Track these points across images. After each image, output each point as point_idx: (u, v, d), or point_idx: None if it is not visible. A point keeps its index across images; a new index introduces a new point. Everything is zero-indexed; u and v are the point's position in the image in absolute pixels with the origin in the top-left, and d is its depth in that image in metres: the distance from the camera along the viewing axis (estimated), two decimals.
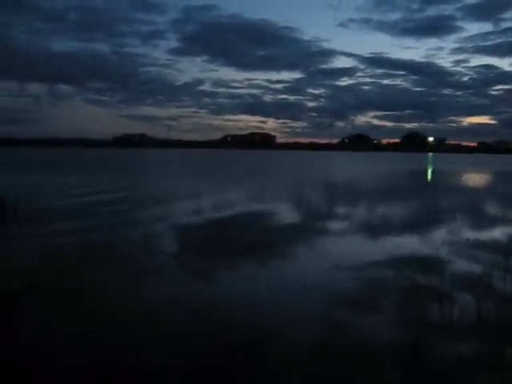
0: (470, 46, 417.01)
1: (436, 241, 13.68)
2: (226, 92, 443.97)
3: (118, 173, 47.02)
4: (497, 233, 15.25)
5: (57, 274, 9.68)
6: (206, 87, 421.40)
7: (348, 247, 12.98)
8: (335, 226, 16.27)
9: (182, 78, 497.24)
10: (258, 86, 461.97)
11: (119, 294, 8.51)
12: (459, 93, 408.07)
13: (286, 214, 19.18)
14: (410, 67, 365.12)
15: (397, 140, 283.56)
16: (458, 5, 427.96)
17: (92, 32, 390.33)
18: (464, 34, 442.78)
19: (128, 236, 13.94)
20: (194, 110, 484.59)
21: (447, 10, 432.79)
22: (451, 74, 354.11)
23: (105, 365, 5.80)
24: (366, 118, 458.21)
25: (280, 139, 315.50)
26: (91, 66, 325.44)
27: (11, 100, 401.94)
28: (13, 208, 18.04)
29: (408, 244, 13.30)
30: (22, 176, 37.46)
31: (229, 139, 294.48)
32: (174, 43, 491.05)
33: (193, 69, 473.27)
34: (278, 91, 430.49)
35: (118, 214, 18.26)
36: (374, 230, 15.52)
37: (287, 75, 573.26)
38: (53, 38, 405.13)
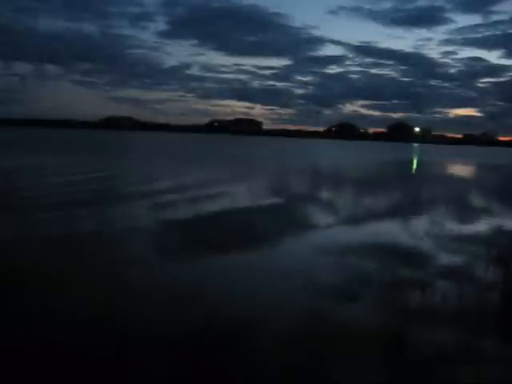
0: (459, 37, 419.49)
1: (419, 231, 13.73)
2: (213, 77, 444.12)
3: (102, 155, 46.73)
4: (480, 224, 15.34)
5: (39, 260, 9.57)
6: (194, 71, 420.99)
7: (330, 235, 12.96)
8: (317, 214, 16.28)
9: (170, 62, 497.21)
10: (246, 72, 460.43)
11: (104, 280, 8.43)
12: (446, 84, 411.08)
13: (268, 199, 19.14)
14: (399, 57, 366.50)
15: (383, 129, 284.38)
16: None
17: (80, 12, 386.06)
18: (453, 26, 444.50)
19: (110, 220, 13.83)
20: (181, 93, 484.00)
21: (438, 1, 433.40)
22: (439, 65, 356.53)
23: (89, 350, 5.73)
24: (354, 107, 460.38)
25: (267, 125, 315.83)
26: (78, 46, 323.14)
27: None
28: None
29: (391, 233, 13.33)
30: (5, 156, 37.07)
31: (215, 124, 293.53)
32: (162, 26, 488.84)
33: (181, 52, 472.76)
34: (266, 77, 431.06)
35: (102, 197, 18.14)
36: (356, 218, 15.53)
37: (276, 62, 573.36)
38: (40, 16, 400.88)
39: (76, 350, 5.65)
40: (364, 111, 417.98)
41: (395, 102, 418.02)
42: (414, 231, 13.72)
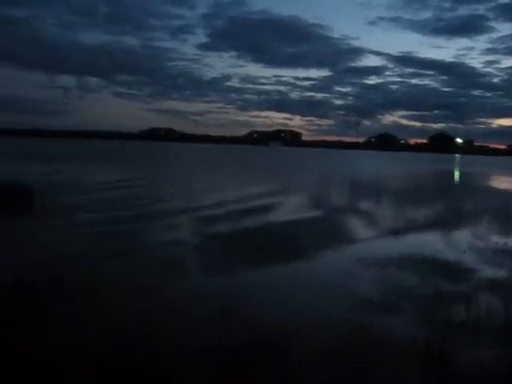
0: (502, 46, 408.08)
1: (462, 243, 13.50)
2: (253, 88, 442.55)
3: (144, 165, 47.30)
4: None
5: (82, 265, 9.73)
6: (234, 83, 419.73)
7: (371, 247, 12.82)
8: (358, 225, 16.14)
9: (210, 74, 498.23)
10: (286, 83, 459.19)
11: (143, 287, 8.52)
12: (489, 94, 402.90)
13: (309, 210, 19.08)
14: (440, 67, 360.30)
15: (424, 140, 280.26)
16: (491, 4, 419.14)
17: (122, 25, 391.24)
18: (496, 35, 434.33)
19: (149, 226, 13.98)
20: (220, 105, 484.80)
21: (479, 9, 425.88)
22: (481, 74, 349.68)
23: (126, 358, 5.80)
24: (394, 118, 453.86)
25: (306, 137, 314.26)
26: (120, 59, 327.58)
27: (41, 92, 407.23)
28: (40, 198, 18.21)
29: (433, 246, 13.12)
30: (49, 167, 37.85)
31: (255, 135, 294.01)
32: (202, 38, 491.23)
33: (221, 64, 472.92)
34: (305, 88, 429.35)
35: (142, 205, 18.35)
36: (397, 230, 15.33)
37: (315, 73, 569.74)
38: (83, 30, 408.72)
39: (113, 362, 5.71)
40: (404, 122, 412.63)
41: (436, 112, 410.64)
42: (457, 244, 13.49)
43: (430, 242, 13.67)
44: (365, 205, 22.82)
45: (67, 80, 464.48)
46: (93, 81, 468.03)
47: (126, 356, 5.82)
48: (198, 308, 7.55)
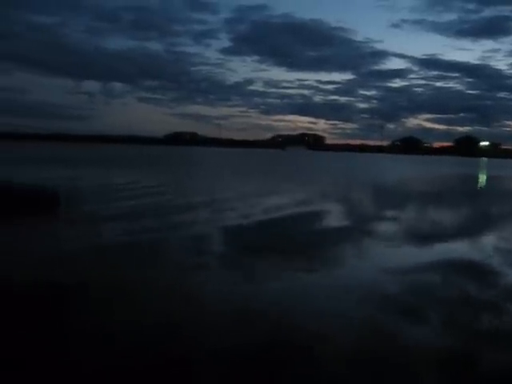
0: None
1: (488, 248, 13.36)
2: (276, 92, 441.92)
3: (168, 169, 47.56)
4: None
5: (107, 271, 9.82)
6: (257, 87, 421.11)
7: (396, 251, 12.77)
8: (383, 229, 16.04)
9: (233, 78, 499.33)
10: (309, 87, 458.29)
11: (168, 292, 8.58)
12: None
13: (334, 215, 19.02)
14: (465, 69, 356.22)
15: (449, 144, 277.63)
16: None
17: (146, 31, 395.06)
18: None
19: (177, 235, 14.03)
20: (244, 109, 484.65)
21: (504, 10, 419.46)
22: (507, 76, 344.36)
23: (153, 359, 5.86)
24: (418, 121, 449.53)
25: (330, 140, 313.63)
26: (144, 64, 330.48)
27: (66, 97, 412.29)
28: (66, 203, 18.42)
29: (459, 250, 13.02)
30: (75, 171, 38.24)
31: (279, 139, 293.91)
32: (225, 43, 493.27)
33: (244, 68, 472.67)
34: (328, 92, 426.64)
35: (168, 212, 18.46)
36: (423, 234, 15.23)
37: (338, 76, 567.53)
38: (108, 36, 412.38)
39: (137, 361, 5.79)
40: (429, 125, 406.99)
41: (461, 115, 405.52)
42: (483, 248, 13.36)
43: (456, 246, 13.57)
44: (394, 211, 22.66)
45: (92, 85, 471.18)
46: (117, 86, 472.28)
47: (154, 354, 5.93)
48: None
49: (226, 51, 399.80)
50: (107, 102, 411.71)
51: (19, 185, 18.08)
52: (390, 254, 12.36)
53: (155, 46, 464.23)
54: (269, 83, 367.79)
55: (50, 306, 7.66)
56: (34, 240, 12.49)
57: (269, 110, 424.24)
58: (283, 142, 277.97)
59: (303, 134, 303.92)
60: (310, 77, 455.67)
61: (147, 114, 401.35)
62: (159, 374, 5.53)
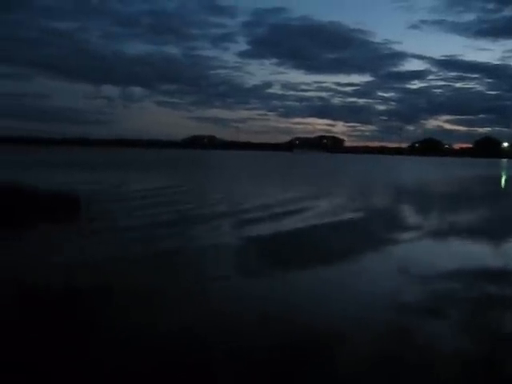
0: None
1: (510, 251, 13.15)
2: (294, 95, 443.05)
3: (186, 172, 47.69)
4: None
5: (127, 276, 9.77)
6: (275, 90, 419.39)
7: (417, 254, 12.60)
8: (404, 232, 15.84)
9: (251, 81, 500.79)
10: (327, 89, 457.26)
11: (188, 297, 8.51)
12: None
13: (355, 217, 18.83)
14: (485, 70, 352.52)
15: (470, 145, 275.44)
16: None
17: (164, 35, 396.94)
18: None
19: (196, 241, 13.96)
20: (262, 112, 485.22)
21: None
22: None
23: (173, 363, 5.79)
24: (438, 122, 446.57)
25: (349, 143, 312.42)
26: (162, 68, 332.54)
27: (86, 102, 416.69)
28: (86, 206, 18.46)
29: (480, 253, 12.82)
30: (94, 175, 38.48)
31: (297, 142, 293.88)
32: (243, 46, 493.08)
33: (262, 72, 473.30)
34: (347, 94, 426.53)
35: (186, 217, 18.42)
36: (445, 238, 15.02)
37: (357, 78, 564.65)
38: (126, 41, 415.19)
39: (157, 362, 5.70)
40: (448, 126, 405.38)
41: (481, 116, 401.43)
42: (505, 251, 13.13)
43: (478, 249, 13.40)
44: (414, 211, 22.43)
45: (111, 90, 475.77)
46: (136, 90, 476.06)
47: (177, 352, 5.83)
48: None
49: (244, 54, 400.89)
50: (126, 106, 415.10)
51: (40, 190, 18.15)
52: (408, 256, 12.19)
53: (173, 50, 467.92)
54: (287, 86, 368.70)
55: (72, 309, 7.63)
56: (55, 245, 12.49)
57: (287, 113, 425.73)
58: (301, 144, 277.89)
59: (321, 137, 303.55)
60: (329, 79, 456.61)
61: (166, 117, 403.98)
62: (178, 376, 5.46)
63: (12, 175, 22.19)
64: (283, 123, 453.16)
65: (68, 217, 16.93)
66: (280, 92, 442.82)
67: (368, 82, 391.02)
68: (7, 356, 5.88)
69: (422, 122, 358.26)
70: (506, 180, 54.84)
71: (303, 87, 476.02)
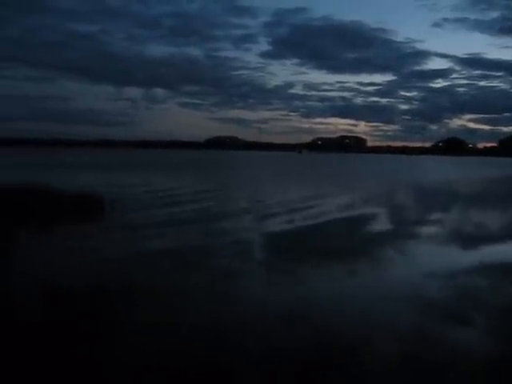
0: None
1: None
2: (316, 95, 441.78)
3: (209, 173, 47.82)
4: None
5: (152, 275, 9.87)
6: (297, 90, 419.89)
7: (441, 254, 12.56)
8: (429, 232, 15.75)
9: (273, 82, 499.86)
10: (349, 89, 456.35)
11: (211, 296, 8.57)
12: None
13: (377, 218, 18.73)
14: (509, 68, 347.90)
15: (494, 144, 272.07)
16: None
17: (186, 37, 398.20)
18: None
19: (219, 241, 14.02)
20: (284, 112, 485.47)
21: None
22: None
23: (198, 364, 5.85)
24: (461, 121, 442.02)
25: (371, 142, 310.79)
26: (185, 69, 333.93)
27: (109, 103, 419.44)
28: (110, 208, 18.63)
29: (506, 254, 12.70)
30: (118, 177, 38.74)
31: (319, 142, 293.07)
32: (265, 47, 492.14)
33: (284, 72, 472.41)
34: (369, 94, 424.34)
35: (211, 215, 18.50)
36: (469, 238, 14.93)
37: (379, 77, 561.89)
38: (148, 43, 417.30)
39: (181, 360, 5.80)
40: (472, 125, 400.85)
41: (506, 114, 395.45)
42: None
43: (503, 250, 13.35)
44: (439, 212, 22.27)
45: (134, 92, 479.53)
46: (159, 92, 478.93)
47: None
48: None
49: (265, 55, 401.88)
50: (149, 107, 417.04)
51: (65, 191, 18.37)
52: (432, 256, 12.14)
53: (195, 52, 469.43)
54: (309, 86, 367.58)
55: (99, 307, 7.79)
56: (81, 245, 12.65)
57: (309, 113, 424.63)
58: (323, 144, 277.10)
59: (343, 137, 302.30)
60: (351, 79, 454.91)
61: (188, 118, 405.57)
62: (203, 374, 5.53)
63: (37, 177, 22.44)
64: (305, 123, 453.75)
65: (92, 218, 17.13)
66: (302, 92, 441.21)
67: (390, 82, 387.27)
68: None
69: (446, 121, 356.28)
70: None
71: (325, 87, 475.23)
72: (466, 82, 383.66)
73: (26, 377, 5.43)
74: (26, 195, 16.82)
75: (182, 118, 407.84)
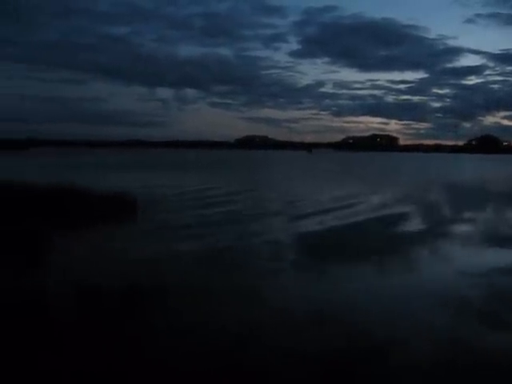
0: None
1: None
2: (347, 93, 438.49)
3: (241, 173, 47.91)
4: None
5: (185, 275, 10.00)
6: (328, 89, 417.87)
7: (473, 255, 12.56)
8: (462, 232, 15.66)
9: (303, 81, 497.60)
10: (380, 87, 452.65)
11: (243, 297, 8.68)
12: None
13: (409, 217, 18.60)
14: None
15: None
16: None
17: (216, 37, 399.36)
18: None
19: (254, 241, 14.09)
20: (315, 111, 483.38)
21: None
22: None
23: (229, 362, 5.96)
24: (495, 119, 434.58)
25: (403, 141, 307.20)
26: (215, 70, 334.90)
27: (141, 104, 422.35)
28: (143, 208, 18.84)
29: None
30: (151, 177, 39.06)
31: (350, 141, 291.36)
32: (294, 46, 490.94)
33: (314, 71, 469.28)
34: (400, 92, 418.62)
35: (246, 216, 18.60)
36: (500, 238, 14.76)
37: (410, 75, 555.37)
38: (179, 44, 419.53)
39: (214, 359, 5.90)
40: (507, 123, 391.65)
41: None
42: None
43: None
44: (472, 212, 22.03)
45: (165, 92, 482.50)
46: (190, 92, 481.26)
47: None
48: None
49: (295, 54, 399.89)
50: (180, 108, 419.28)
51: (99, 192, 18.65)
52: (464, 256, 12.14)
53: (225, 52, 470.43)
54: (340, 84, 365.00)
55: (134, 305, 8.01)
56: (115, 245, 12.87)
57: (340, 112, 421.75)
58: (355, 143, 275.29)
59: (375, 135, 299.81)
60: (382, 77, 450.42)
61: (219, 118, 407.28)
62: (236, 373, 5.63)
63: (72, 178, 22.79)
64: (336, 122, 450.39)
65: (125, 218, 17.38)
66: (332, 91, 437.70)
67: (422, 79, 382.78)
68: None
69: (479, 118, 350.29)
70: None
71: (356, 85, 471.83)
72: (499, 78, 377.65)
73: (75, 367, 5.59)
74: (61, 196, 17.17)
75: (213, 117, 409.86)
